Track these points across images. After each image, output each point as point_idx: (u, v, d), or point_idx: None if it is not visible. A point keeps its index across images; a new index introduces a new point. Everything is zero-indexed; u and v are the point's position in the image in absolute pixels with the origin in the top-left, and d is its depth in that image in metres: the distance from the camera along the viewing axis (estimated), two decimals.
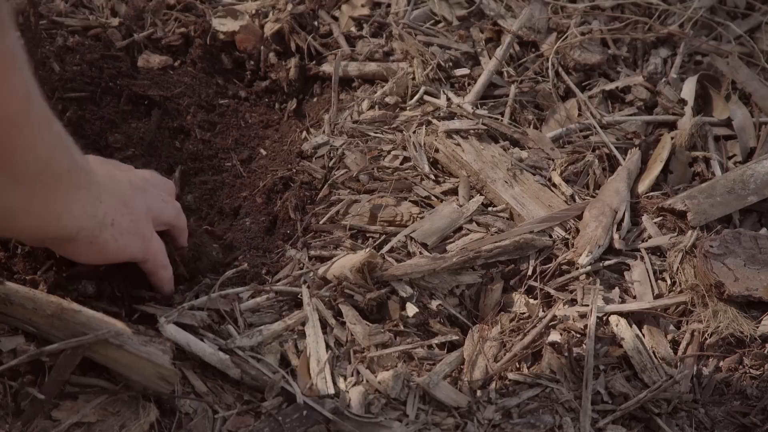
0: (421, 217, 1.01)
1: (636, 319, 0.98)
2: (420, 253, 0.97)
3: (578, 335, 0.94)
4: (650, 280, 1.01)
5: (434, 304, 0.94)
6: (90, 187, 0.74)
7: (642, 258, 1.03)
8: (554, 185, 1.10)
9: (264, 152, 1.15)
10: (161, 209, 0.86)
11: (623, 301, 0.99)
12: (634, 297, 1.00)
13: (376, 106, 1.16)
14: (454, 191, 1.06)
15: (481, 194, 1.06)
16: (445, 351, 0.92)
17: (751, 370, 0.95)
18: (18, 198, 0.65)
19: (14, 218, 0.68)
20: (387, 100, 1.17)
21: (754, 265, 1.00)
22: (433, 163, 1.10)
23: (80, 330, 0.77)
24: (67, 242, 0.76)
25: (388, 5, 1.28)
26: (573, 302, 0.98)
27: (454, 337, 0.93)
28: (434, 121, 1.13)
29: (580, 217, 1.05)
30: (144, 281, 0.88)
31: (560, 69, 1.23)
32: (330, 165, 1.08)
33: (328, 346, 0.88)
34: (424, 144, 1.10)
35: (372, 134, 1.12)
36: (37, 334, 0.78)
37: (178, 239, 0.91)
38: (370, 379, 0.86)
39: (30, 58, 0.97)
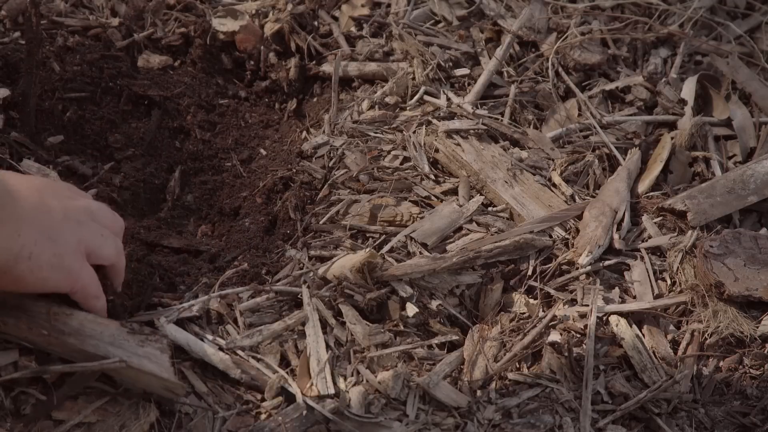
0: (421, 217, 1.01)
1: (636, 319, 0.98)
2: (420, 253, 0.97)
3: (578, 335, 0.94)
4: (650, 280, 1.01)
5: (434, 304, 0.94)
6: (7, 222, 0.73)
7: (642, 258, 1.03)
8: (554, 185, 1.10)
9: (264, 152, 1.15)
10: (98, 245, 0.83)
11: (623, 301, 0.99)
12: (634, 297, 1.00)
13: (376, 106, 1.16)
14: (454, 191, 1.06)
15: (481, 194, 1.06)
16: (445, 351, 0.92)
17: (751, 370, 0.95)
18: None
19: None
20: (387, 100, 1.17)
21: (754, 265, 1.00)
22: (433, 163, 1.10)
23: (77, 345, 0.76)
24: None
25: (388, 5, 1.28)
26: (573, 302, 0.98)
27: (454, 337, 0.93)
28: (434, 121, 1.13)
29: (580, 217, 1.05)
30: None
31: (560, 69, 1.23)
32: (330, 165, 1.08)
33: (328, 346, 0.88)
34: (424, 144, 1.10)
35: (372, 134, 1.12)
36: (35, 348, 0.78)
37: (114, 280, 0.86)
38: (370, 379, 0.86)
39: (31, 58, 0.98)
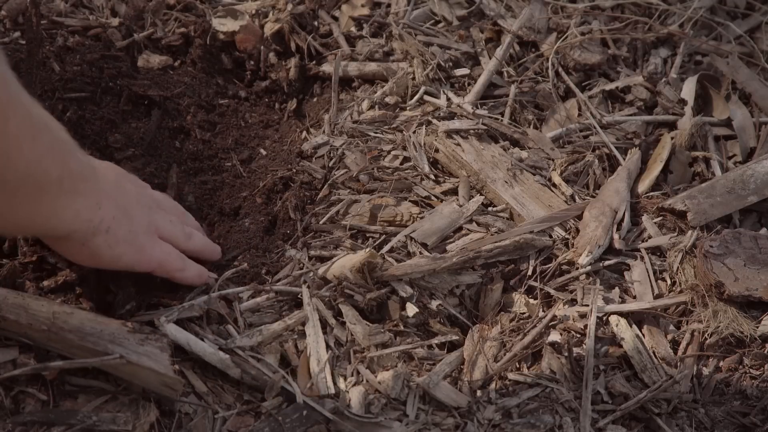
0: (421, 217, 1.01)
1: (636, 319, 0.98)
2: (420, 253, 0.97)
3: (578, 335, 0.94)
4: (650, 280, 1.01)
5: (434, 304, 0.94)
6: (88, 194, 0.76)
7: (642, 258, 1.03)
8: (554, 185, 1.10)
9: (264, 152, 1.15)
10: (168, 229, 0.87)
11: (623, 301, 0.99)
12: (634, 297, 1.00)
13: (376, 106, 1.16)
14: (454, 191, 1.06)
15: (481, 194, 1.06)
16: (445, 351, 0.92)
17: (751, 370, 0.96)
18: None
19: None
20: (387, 100, 1.17)
21: (754, 265, 1.00)
22: (433, 163, 1.10)
23: (76, 341, 0.77)
24: (57, 240, 0.79)
25: (388, 5, 1.28)
26: (573, 302, 0.98)
27: (454, 337, 0.93)
28: (434, 121, 1.13)
29: (580, 217, 1.05)
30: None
31: (560, 69, 1.23)
32: (330, 165, 1.08)
33: (328, 346, 0.88)
34: (424, 144, 1.10)
35: (372, 134, 1.12)
36: (34, 345, 0.78)
37: (206, 260, 0.92)
38: (370, 379, 0.86)
39: (31, 58, 0.98)
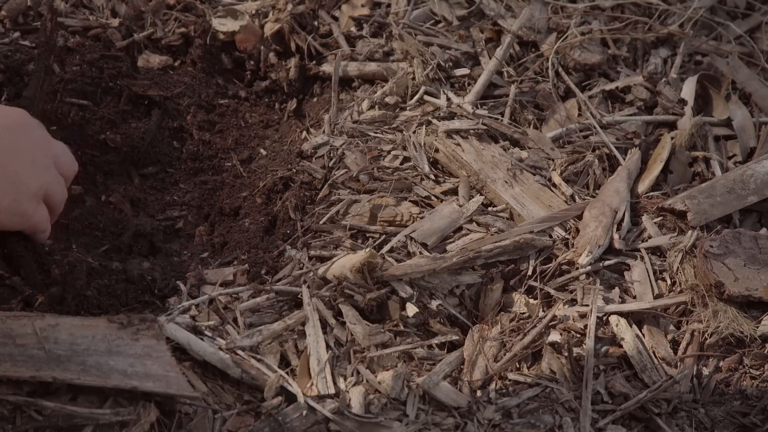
0: (421, 217, 1.01)
1: (636, 319, 0.98)
2: (420, 253, 0.97)
3: (578, 335, 0.94)
4: (650, 280, 1.01)
5: (434, 304, 0.94)
6: None
7: (642, 258, 1.03)
8: (554, 185, 1.10)
9: (264, 152, 1.15)
10: (54, 191, 0.87)
11: (623, 301, 0.99)
12: (634, 297, 1.00)
13: (376, 106, 1.16)
14: (454, 191, 1.06)
15: (481, 194, 1.06)
16: (445, 351, 0.92)
17: (751, 370, 0.95)
18: None
19: None
20: (387, 100, 1.17)
21: (754, 265, 1.00)
22: (433, 163, 1.10)
23: (79, 374, 0.75)
24: None
25: (388, 5, 1.28)
26: (573, 302, 0.98)
27: (454, 337, 0.93)
28: (434, 121, 1.13)
29: (580, 217, 1.05)
30: None
31: (560, 69, 1.23)
32: (330, 165, 1.08)
33: (328, 346, 0.88)
34: (424, 144, 1.10)
35: (372, 134, 1.12)
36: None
37: (51, 218, 0.91)
38: (370, 379, 0.86)
39: (40, 62, 0.97)
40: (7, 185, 0.80)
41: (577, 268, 1.00)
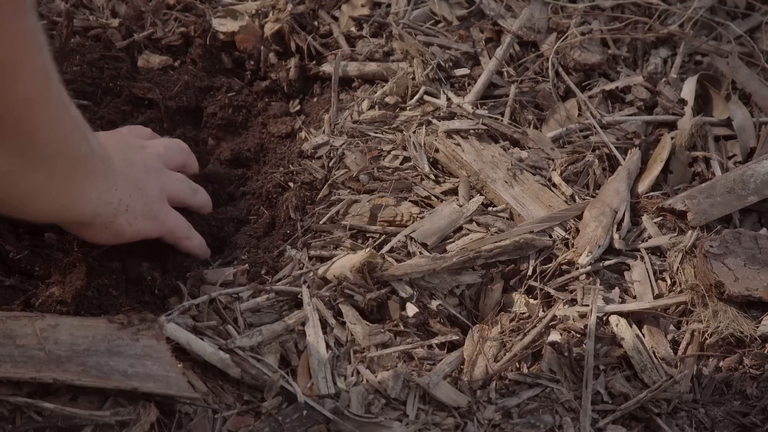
0: (421, 217, 1.01)
1: (636, 319, 0.98)
2: (420, 253, 0.97)
3: (578, 335, 0.94)
4: (650, 280, 1.01)
5: (434, 304, 0.94)
6: (107, 175, 0.77)
7: (642, 258, 1.03)
8: (554, 185, 1.10)
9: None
10: (175, 189, 0.90)
11: (623, 301, 0.99)
12: (634, 297, 1.00)
13: (376, 106, 1.16)
14: (454, 191, 1.06)
15: (481, 194, 1.06)
16: (445, 351, 0.92)
17: (751, 370, 0.95)
18: (37, 180, 0.68)
19: (32, 201, 0.70)
20: (387, 100, 1.17)
21: (754, 265, 1.00)
22: (433, 163, 1.10)
23: (81, 375, 0.75)
24: (83, 226, 0.81)
25: (388, 5, 1.28)
26: (573, 302, 0.98)
27: (454, 337, 0.93)
28: (434, 121, 1.13)
29: (580, 217, 1.05)
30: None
31: (560, 69, 1.23)
32: (330, 165, 1.08)
33: (328, 346, 0.88)
34: (424, 144, 1.10)
35: (372, 134, 1.12)
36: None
37: (200, 212, 0.96)
38: (370, 379, 0.86)
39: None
40: (135, 190, 0.83)
41: (577, 268, 1.00)
